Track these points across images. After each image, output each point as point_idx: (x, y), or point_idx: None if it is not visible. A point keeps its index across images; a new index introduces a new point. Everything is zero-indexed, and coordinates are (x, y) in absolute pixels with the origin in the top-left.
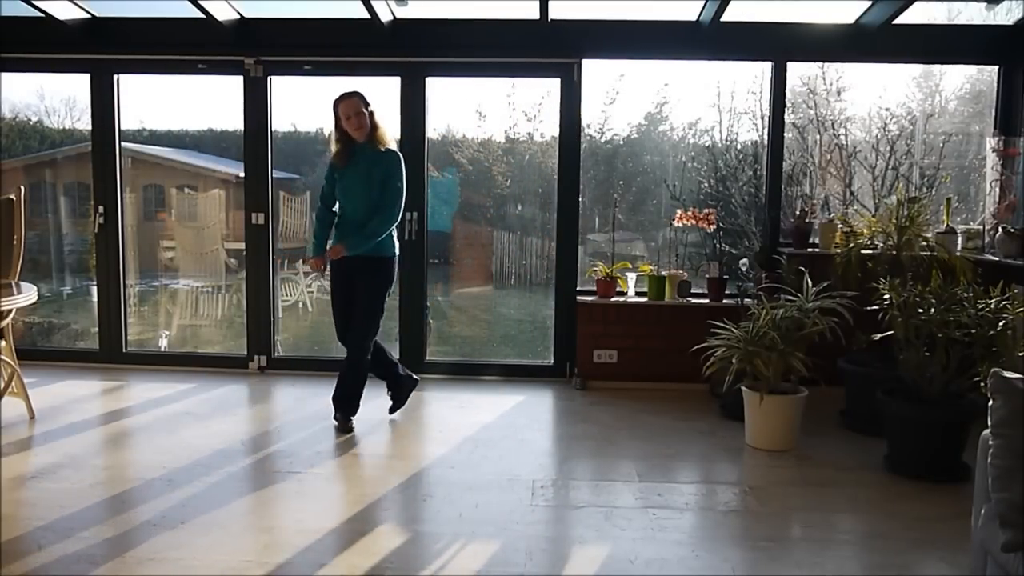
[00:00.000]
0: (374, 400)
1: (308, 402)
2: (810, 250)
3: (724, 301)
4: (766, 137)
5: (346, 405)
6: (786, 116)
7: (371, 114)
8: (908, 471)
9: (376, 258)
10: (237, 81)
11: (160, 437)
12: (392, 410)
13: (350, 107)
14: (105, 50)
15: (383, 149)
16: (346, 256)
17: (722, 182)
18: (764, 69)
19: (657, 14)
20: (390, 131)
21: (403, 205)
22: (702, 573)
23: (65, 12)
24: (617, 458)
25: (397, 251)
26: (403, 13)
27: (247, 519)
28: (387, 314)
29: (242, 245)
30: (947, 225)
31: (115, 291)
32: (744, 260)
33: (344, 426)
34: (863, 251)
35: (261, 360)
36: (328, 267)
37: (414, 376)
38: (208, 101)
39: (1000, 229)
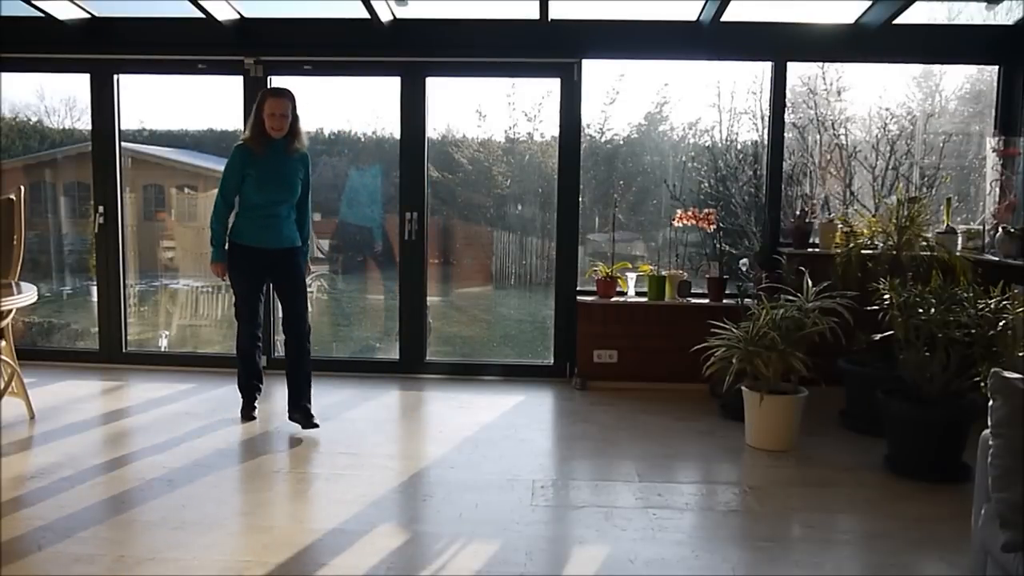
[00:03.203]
0: (376, 399)
1: None
2: (810, 250)
3: (724, 301)
4: (766, 137)
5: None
6: (786, 116)
7: (295, 118)
8: (908, 471)
9: (296, 248)
10: (237, 81)
11: (160, 437)
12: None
13: (279, 107)
14: (105, 50)
15: (304, 151)
16: (265, 248)
17: (722, 182)
18: (764, 69)
19: (657, 14)
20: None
21: None
22: (702, 573)
23: (65, 12)
24: (617, 458)
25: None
26: (403, 13)
27: (247, 519)
28: (388, 313)
29: None
30: (947, 225)
31: (115, 291)
32: (744, 260)
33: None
34: (863, 251)
35: (261, 360)
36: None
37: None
38: (208, 101)
39: (1000, 229)
